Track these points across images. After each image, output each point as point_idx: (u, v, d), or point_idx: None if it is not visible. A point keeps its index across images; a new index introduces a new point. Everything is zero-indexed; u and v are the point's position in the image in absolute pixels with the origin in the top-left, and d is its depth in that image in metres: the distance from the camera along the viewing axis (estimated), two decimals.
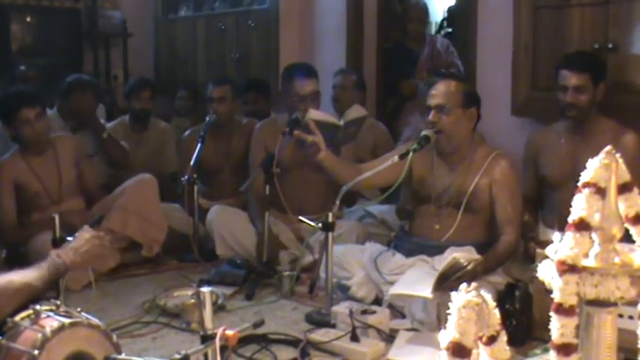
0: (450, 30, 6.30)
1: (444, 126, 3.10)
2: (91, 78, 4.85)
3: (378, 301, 3.05)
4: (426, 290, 2.71)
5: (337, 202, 2.95)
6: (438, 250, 3.05)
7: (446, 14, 6.49)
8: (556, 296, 1.63)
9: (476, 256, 2.84)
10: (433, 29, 6.46)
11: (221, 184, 4.36)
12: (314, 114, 3.42)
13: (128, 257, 3.71)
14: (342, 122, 3.45)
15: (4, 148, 3.90)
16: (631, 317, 2.21)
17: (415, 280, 2.86)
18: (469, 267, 2.70)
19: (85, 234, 2.50)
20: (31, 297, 2.18)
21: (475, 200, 3.12)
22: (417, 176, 3.26)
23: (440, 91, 3.12)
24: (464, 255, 2.78)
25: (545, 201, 3.45)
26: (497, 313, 1.65)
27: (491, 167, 3.12)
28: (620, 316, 2.16)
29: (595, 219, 1.63)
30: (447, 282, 2.69)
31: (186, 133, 4.45)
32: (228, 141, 4.34)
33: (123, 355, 2.04)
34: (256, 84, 5.03)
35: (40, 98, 3.67)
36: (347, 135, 3.54)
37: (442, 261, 2.86)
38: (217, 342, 1.97)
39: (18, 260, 3.20)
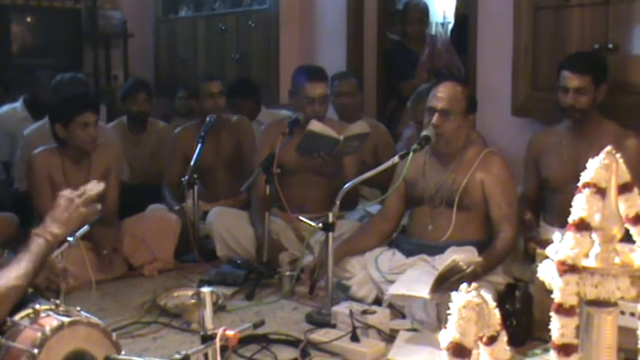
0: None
1: (446, 132, 3.06)
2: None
3: (378, 301, 3.05)
4: (424, 291, 2.71)
5: (337, 202, 2.95)
6: (437, 250, 3.05)
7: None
8: (556, 296, 1.63)
9: (477, 258, 2.83)
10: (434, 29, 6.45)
11: (216, 184, 4.29)
12: (314, 126, 3.42)
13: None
14: (342, 137, 3.44)
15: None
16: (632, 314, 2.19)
17: (414, 280, 2.85)
18: (468, 270, 2.69)
19: (61, 200, 2.38)
20: (24, 293, 2.15)
21: (467, 197, 3.09)
22: (410, 179, 3.22)
23: (447, 95, 3.06)
24: (464, 257, 2.76)
25: (546, 203, 3.44)
26: (497, 313, 1.65)
27: (483, 164, 3.09)
28: (622, 313, 2.15)
29: (595, 219, 1.63)
30: (445, 283, 2.69)
31: (177, 130, 4.40)
32: (217, 138, 4.22)
33: (123, 354, 2.04)
34: (239, 87, 4.96)
35: (99, 105, 3.59)
36: (348, 148, 3.54)
37: (443, 260, 2.85)
38: (217, 342, 1.98)
39: None
